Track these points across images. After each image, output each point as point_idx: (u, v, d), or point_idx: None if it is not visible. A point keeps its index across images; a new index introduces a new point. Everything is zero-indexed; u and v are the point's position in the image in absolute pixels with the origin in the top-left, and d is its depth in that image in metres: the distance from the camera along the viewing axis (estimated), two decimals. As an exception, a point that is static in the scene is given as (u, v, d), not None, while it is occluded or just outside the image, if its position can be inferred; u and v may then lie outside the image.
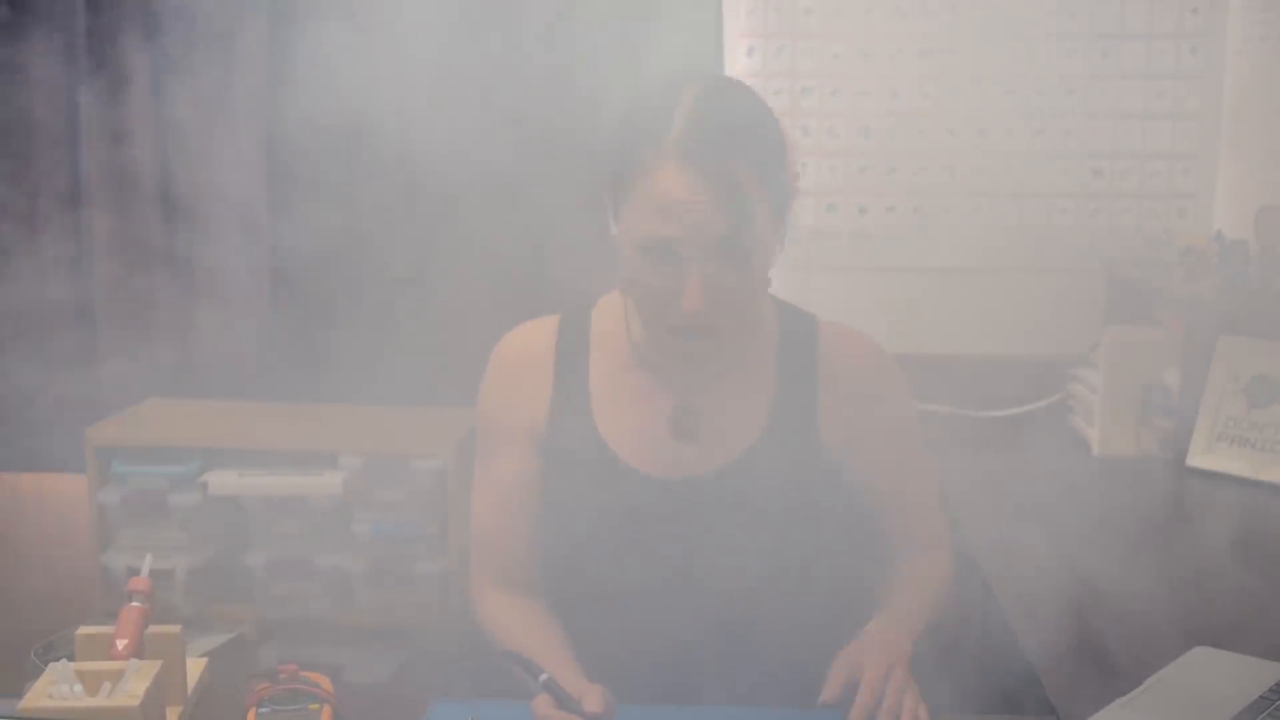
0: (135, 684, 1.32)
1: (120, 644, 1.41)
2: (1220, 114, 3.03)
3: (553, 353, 1.59)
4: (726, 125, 1.41)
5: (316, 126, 2.98)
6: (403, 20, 2.94)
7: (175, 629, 1.45)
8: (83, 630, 1.44)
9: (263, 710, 1.37)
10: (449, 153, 2.99)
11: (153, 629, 1.44)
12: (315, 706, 1.38)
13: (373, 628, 2.89)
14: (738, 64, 3.01)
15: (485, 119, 2.97)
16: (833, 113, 3.05)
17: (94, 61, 3.00)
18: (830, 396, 1.57)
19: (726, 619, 1.53)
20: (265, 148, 3.02)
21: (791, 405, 1.56)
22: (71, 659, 1.38)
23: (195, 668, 1.51)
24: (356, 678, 2.81)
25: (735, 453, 1.54)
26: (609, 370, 1.57)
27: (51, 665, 1.33)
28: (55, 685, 1.31)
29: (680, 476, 1.54)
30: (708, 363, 1.55)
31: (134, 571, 1.51)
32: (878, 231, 3.10)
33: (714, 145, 1.38)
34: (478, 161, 2.99)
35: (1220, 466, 2.34)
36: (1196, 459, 2.36)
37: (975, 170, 3.07)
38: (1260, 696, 1.43)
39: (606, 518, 1.54)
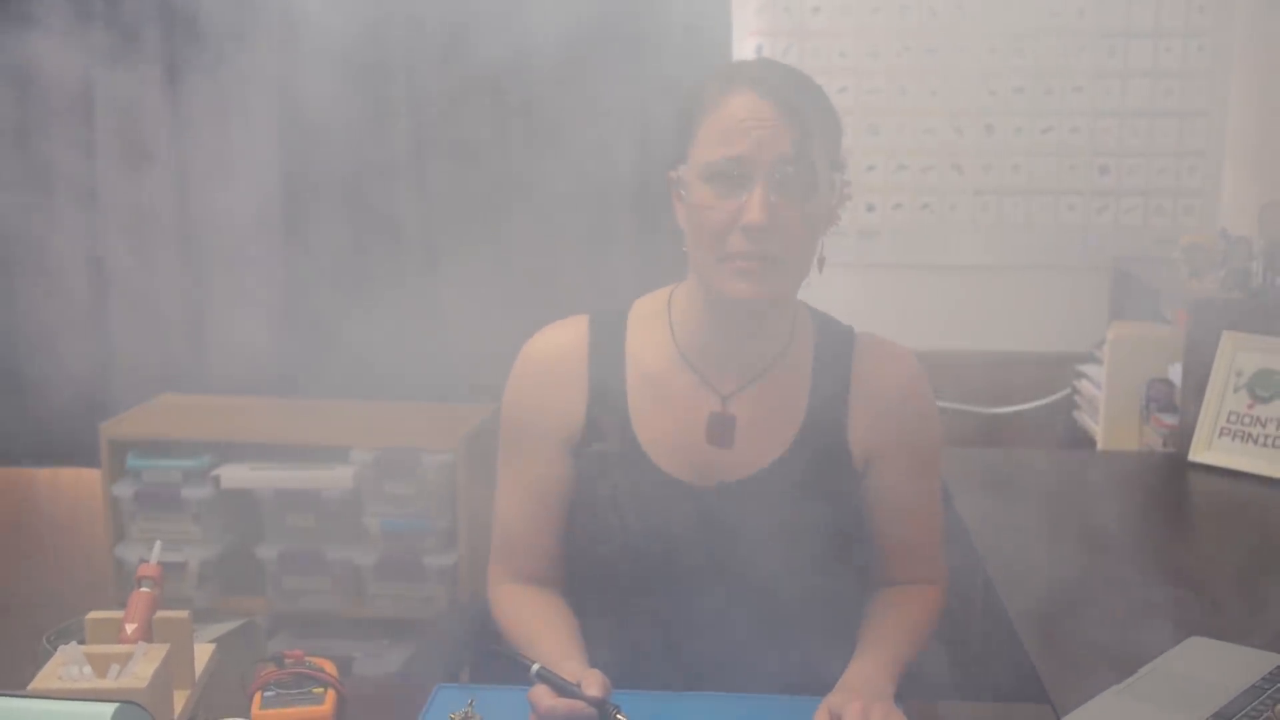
0: (143, 667, 1.34)
1: (129, 628, 1.43)
2: (1227, 112, 3.03)
3: (585, 355, 1.59)
4: (794, 74, 1.51)
5: (330, 123, 3.02)
6: (414, 18, 2.97)
7: (183, 614, 1.47)
8: (93, 615, 1.46)
9: (268, 694, 1.39)
10: (461, 153, 3.02)
11: (161, 614, 1.46)
12: (320, 690, 1.40)
13: (383, 620, 2.93)
14: (745, 62, 3.03)
15: (495, 120, 3.00)
16: (840, 110, 3.05)
17: (109, 56, 3.03)
18: (860, 408, 1.58)
19: (750, 622, 1.55)
20: (279, 145, 3.05)
21: (823, 416, 1.57)
22: (83, 644, 1.41)
23: (203, 653, 1.54)
24: (367, 669, 2.85)
25: (766, 461, 1.56)
26: (647, 374, 1.58)
27: (62, 648, 1.36)
28: (65, 667, 1.33)
29: (713, 484, 1.56)
30: (751, 343, 1.56)
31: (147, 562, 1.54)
32: (885, 229, 3.12)
33: (782, 79, 1.47)
34: (488, 162, 3.02)
35: (1222, 461, 2.34)
36: (1199, 454, 2.37)
37: (982, 168, 3.08)
38: (1252, 685, 1.44)
39: (640, 522, 1.55)
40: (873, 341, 1.63)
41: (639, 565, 1.55)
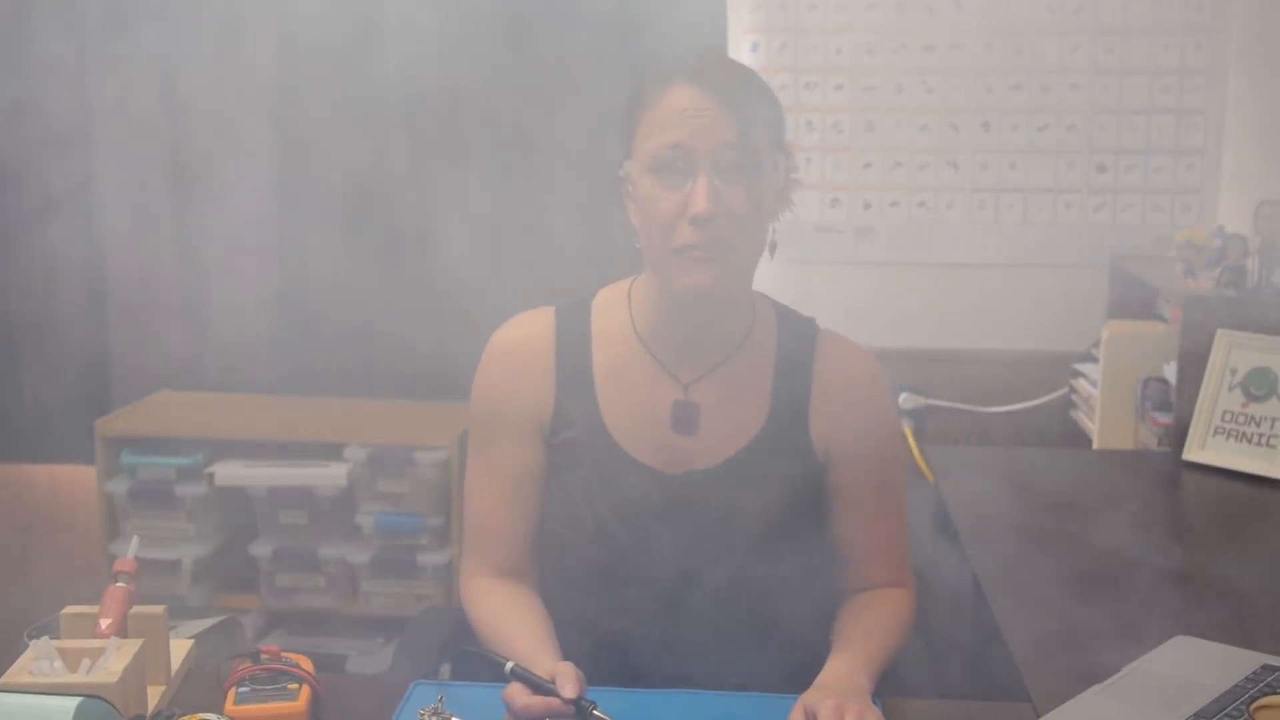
0: (115, 662, 1.34)
1: (104, 623, 1.43)
2: (1225, 110, 3.02)
3: (552, 345, 1.60)
4: (733, 65, 1.54)
5: (325, 122, 3.02)
6: (413, 20, 2.97)
7: (159, 609, 1.46)
8: (68, 610, 1.46)
9: (242, 690, 1.38)
10: (456, 154, 3.01)
11: (137, 609, 1.45)
12: (294, 686, 1.39)
13: (377, 618, 2.92)
14: (742, 59, 3.01)
15: (490, 121, 2.99)
16: (836, 108, 3.06)
17: (106, 53, 3.03)
18: (821, 403, 1.59)
19: (717, 610, 1.56)
20: (276, 143, 3.05)
21: (785, 408, 1.58)
22: (58, 638, 1.41)
23: (181, 648, 1.53)
24: (360, 667, 2.84)
25: (731, 451, 1.57)
26: (612, 363, 1.59)
27: (34, 642, 1.35)
28: (37, 661, 1.33)
29: (680, 472, 1.57)
30: (710, 332, 1.57)
31: (140, 560, 1.54)
32: (881, 226, 3.11)
33: (721, 70, 1.50)
34: (484, 161, 3.02)
35: (1216, 460, 2.32)
36: (1193, 453, 2.35)
37: (979, 165, 3.07)
38: (1235, 685, 1.43)
39: (610, 509, 1.56)
40: (835, 338, 1.64)
41: (611, 552, 1.56)
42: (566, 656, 1.44)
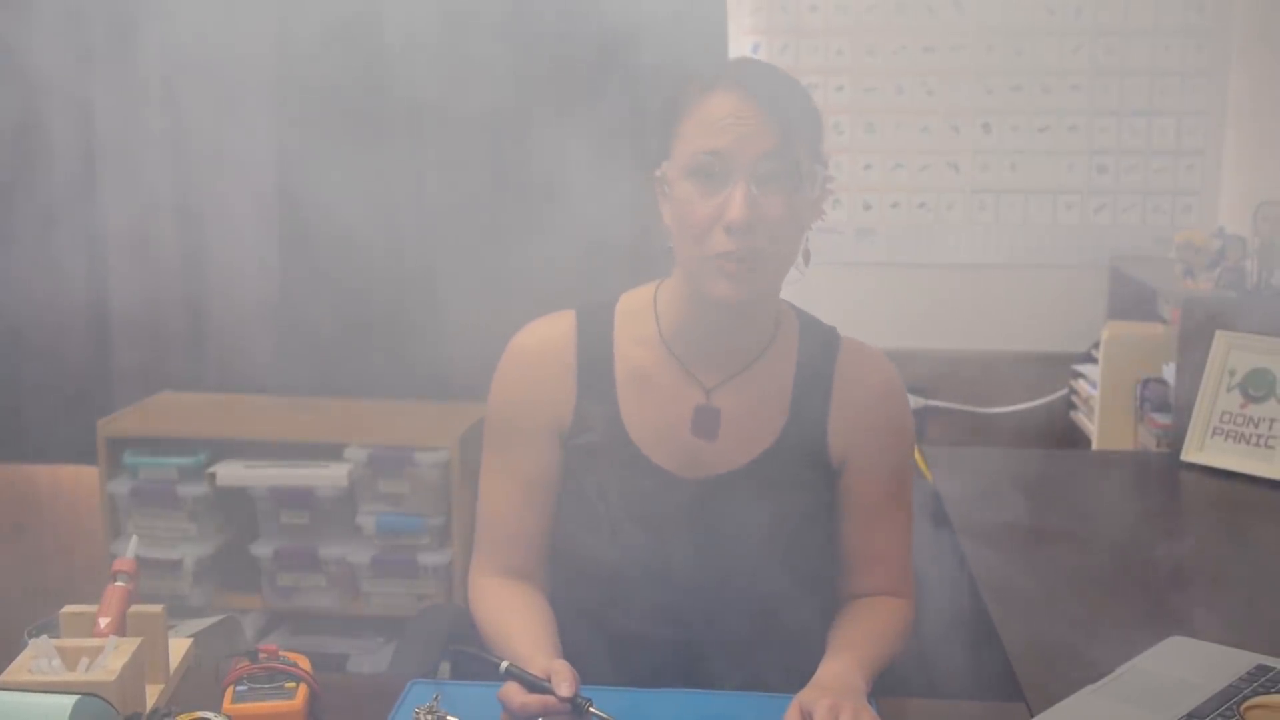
0: (113, 660, 1.35)
1: (103, 622, 1.44)
2: (1224, 110, 3.02)
3: (574, 348, 1.60)
4: (776, 73, 1.53)
5: (325, 124, 3.02)
6: (414, 24, 2.97)
7: (158, 609, 1.47)
8: (68, 609, 1.47)
9: (240, 688, 1.39)
10: (457, 152, 3.02)
11: (135, 608, 1.46)
12: (292, 685, 1.40)
13: (377, 618, 2.93)
14: (742, 61, 3.03)
15: (490, 120, 3.00)
16: (837, 109, 3.07)
17: (108, 58, 3.04)
18: (840, 410, 1.60)
19: (731, 613, 1.56)
20: (276, 144, 3.05)
21: (804, 415, 1.59)
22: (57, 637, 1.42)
23: (180, 647, 1.54)
24: (361, 667, 2.85)
25: (750, 456, 1.57)
26: (635, 366, 1.59)
27: (33, 641, 1.36)
28: (36, 660, 1.34)
29: (700, 476, 1.57)
30: (736, 338, 1.58)
31: (142, 560, 1.54)
32: (882, 227, 3.11)
33: (762, 78, 1.49)
34: (484, 160, 3.02)
35: (1214, 461, 2.33)
36: (1191, 454, 2.35)
37: (979, 167, 3.07)
38: (1228, 685, 1.43)
39: (627, 511, 1.56)
40: (857, 346, 1.64)
41: (626, 555, 1.56)
42: (579, 657, 1.44)
